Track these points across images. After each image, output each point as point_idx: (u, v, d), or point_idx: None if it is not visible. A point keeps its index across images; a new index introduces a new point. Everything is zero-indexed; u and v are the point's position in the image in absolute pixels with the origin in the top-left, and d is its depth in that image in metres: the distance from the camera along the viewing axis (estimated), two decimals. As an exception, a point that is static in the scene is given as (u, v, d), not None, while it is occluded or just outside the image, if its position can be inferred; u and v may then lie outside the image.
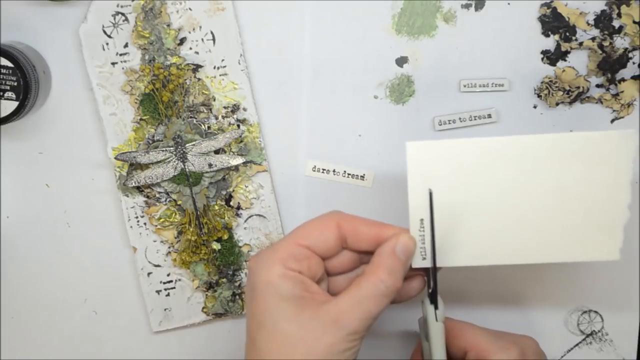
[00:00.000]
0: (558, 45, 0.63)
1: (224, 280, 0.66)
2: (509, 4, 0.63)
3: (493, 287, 0.67)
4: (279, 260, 0.51)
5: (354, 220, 0.54)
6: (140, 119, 0.63)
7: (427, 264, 0.54)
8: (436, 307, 0.54)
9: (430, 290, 0.54)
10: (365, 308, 0.50)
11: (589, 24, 0.63)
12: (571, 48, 0.63)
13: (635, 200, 0.65)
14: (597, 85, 0.64)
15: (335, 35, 0.63)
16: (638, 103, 0.64)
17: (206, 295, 0.66)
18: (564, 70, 0.63)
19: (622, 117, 0.64)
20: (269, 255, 0.52)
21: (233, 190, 0.65)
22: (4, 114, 0.60)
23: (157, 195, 0.65)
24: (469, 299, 0.67)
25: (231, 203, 0.65)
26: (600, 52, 0.62)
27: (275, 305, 0.50)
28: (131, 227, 0.65)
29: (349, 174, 0.65)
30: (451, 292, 0.67)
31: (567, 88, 0.64)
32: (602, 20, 0.63)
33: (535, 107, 0.64)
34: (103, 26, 0.62)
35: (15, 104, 0.60)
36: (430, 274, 0.54)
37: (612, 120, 0.64)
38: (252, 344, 0.51)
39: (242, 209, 0.65)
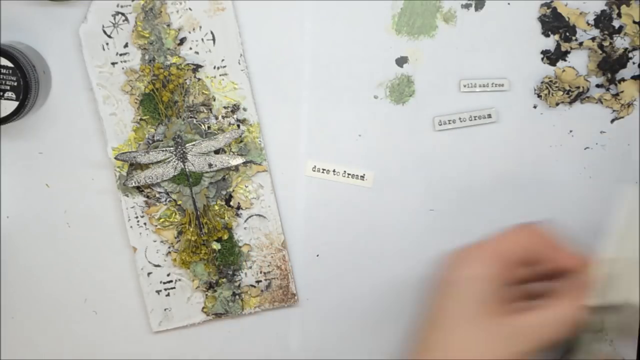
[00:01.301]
0: (558, 45, 0.63)
1: (224, 280, 0.66)
2: (509, 4, 0.63)
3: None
4: (487, 260, 0.51)
5: (548, 239, 0.54)
6: (140, 119, 0.63)
7: (600, 300, 0.53)
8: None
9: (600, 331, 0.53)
10: (549, 331, 0.50)
11: (589, 24, 0.63)
12: (571, 48, 0.63)
13: (635, 200, 0.65)
14: (597, 85, 0.64)
15: (335, 35, 0.63)
16: (638, 103, 0.64)
17: (206, 295, 0.66)
18: (564, 70, 0.63)
19: (622, 117, 0.64)
20: (476, 254, 0.52)
21: (233, 190, 0.65)
22: (4, 114, 0.60)
23: (157, 195, 0.65)
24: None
25: (231, 203, 0.65)
26: (600, 52, 0.62)
27: (467, 303, 0.50)
28: (131, 227, 0.65)
29: (349, 174, 0.65)
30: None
31: (567, 88, 0.64)
32: (602, 20, 0.63)
33: (535, 107, 0.64)
34: (103, 26, 0.62)
35: (15, 104, 0.60)
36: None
37: (612, 120, 0.64)
38: (432, 336, 0.51)
39: (242, 209, 0.65)
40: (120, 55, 0.62)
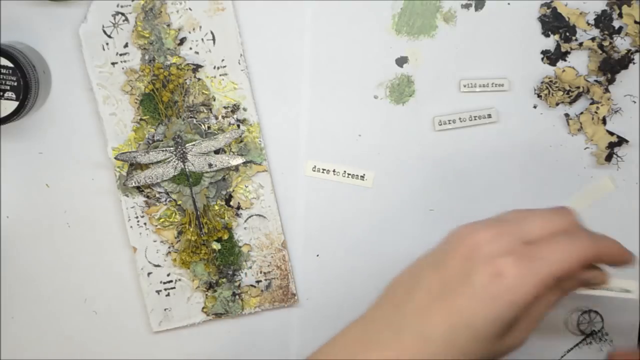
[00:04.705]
0: (558, 45, 0.63)
1: (224, 280, 0.66)
2: (509, 4, 0.63)
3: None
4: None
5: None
6: (140, 119, 0.63)
7: None
8: None
9: None
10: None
11: (589, 24, 0.63)
12: (571, 48, 0.63)
13: (635, 200, 0.65)
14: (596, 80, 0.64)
15: (335, 35, 0.63)
16: (638, 103, 0.64)
17: (206, 295, 0.66)
18: (564, 70, 0.63)
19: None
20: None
21: (233, 190, 0.65)
22: (4, 114, 0.60)
23: (157, 195, 0.65)
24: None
25: (231, 203, 0.65)
26: (601, 52, 0.62)
27: None
28: (131, 227, 0.65)
29: (349, 174, 0.65)
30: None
31: (567, 88, 0.64)
32: (603, 20, 0.62)
33: (535, 107, 0.64)
34: (103, 26, 0.62)
35: (15, 104, 0.60)
36: None
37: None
38: None
39: (242, 209, 0.65)
40: (120, 55, 0.62)
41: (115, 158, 0.63)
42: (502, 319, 0.47)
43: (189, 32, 0.62)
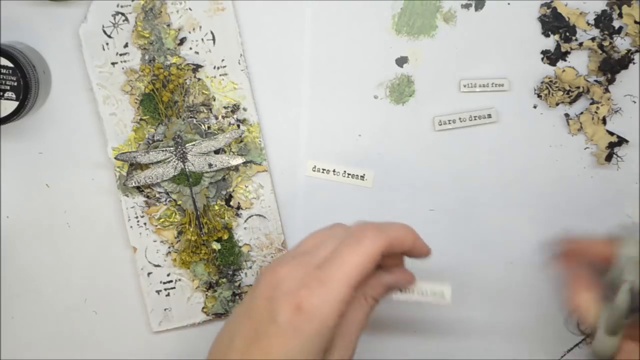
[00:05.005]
0: (558, 45, 0.63)
1: (224, 280, 0.66)
2: (509, 4, 0.63)
3: (493, 287, 0.67)
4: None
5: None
6: (140, 119, 0.63)
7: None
8: None
9: None
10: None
11: (589, 24, 0.63)
12: (571, 48, 0.63)
13: (635, 200, 0.65)
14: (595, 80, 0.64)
15: (335, 35, 0.63)
16: (638, 103, 0.64)
17: (206, 295, 0.66)
18: (564, 70, 0.63)
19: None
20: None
21: (233, 190, 0.65)
22: (4, 114, 0.60)
23: (157, 195, 0.65)
24: (469, 299, 0.67)
25: (231, 203, 0.65)
26: (601, 52, 0.62)
27: None
28: (131, 227, 0.65)
29: (349, 174, 0.65)
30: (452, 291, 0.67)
31: (567, 88, 0.64)
32: (603, 20, 0.63)
33: (535, 107, 0.64)
34: (103, 26, 0.62)
35: (15, 104, 0.60)
36: None
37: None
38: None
39: (242, 209, 0.65)
40: (120, 55, 0.62)
41: (115, 158, 0.63)
42: (313, 348, 0.49)
43: (189, 32, 0.62)
